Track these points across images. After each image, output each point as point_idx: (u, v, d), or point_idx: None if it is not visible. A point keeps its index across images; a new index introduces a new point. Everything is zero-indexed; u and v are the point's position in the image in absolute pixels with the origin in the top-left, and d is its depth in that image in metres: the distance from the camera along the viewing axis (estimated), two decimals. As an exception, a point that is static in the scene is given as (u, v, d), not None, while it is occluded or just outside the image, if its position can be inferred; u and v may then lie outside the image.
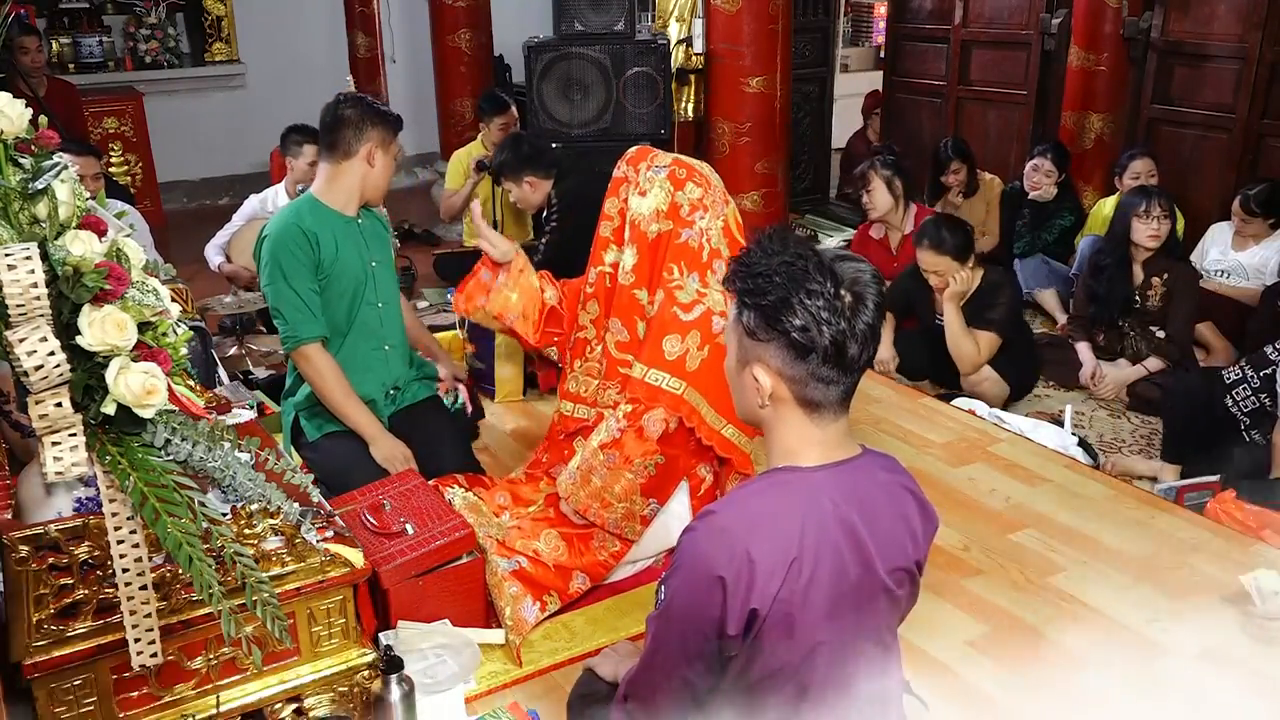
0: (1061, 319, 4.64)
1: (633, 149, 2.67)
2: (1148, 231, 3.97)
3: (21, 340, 1.30)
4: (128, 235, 1.54)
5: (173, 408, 1.47)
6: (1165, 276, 4.01)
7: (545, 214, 4.14)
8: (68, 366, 1.34)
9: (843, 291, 1.37)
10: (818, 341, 1.37)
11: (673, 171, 2.52)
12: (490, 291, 2.74)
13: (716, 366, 2.44)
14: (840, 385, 1.42)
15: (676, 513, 2.52)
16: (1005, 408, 3.80)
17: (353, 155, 2.73)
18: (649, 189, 2.52)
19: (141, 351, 1.42)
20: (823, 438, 1.46)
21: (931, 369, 4.05)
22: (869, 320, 1.39)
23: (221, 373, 3.85)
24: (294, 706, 1.79)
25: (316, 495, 1.95)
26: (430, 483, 2.56)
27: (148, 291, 1.48)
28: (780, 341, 1.39)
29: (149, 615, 1.47)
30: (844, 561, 1.42)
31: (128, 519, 1.42)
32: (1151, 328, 4.04)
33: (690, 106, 4.97)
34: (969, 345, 3.78)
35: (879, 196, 4.33)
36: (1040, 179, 4.97)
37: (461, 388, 3.16)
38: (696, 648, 1.44)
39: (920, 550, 1.52)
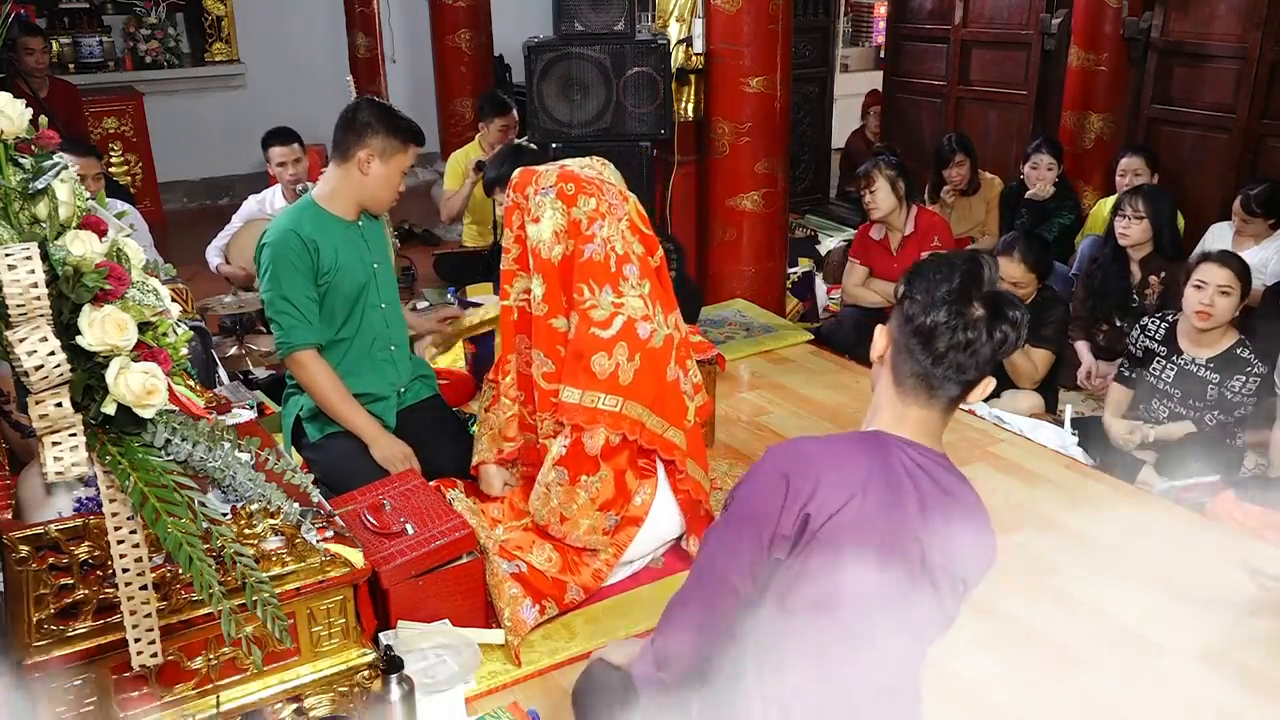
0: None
1: (515, 174, 2.57)
2: (1117, 228, 4.07)
3: (21, 340, 1.30)
4: (128, 235, 1.54)
5: (173, 408, 1.47)
6: (1163, 275, 4.02)
7: None
8: (68, 366, 1.34)
9: (975, 303, 1.46)
10: (917, 316, 1.48)
11: (560, 189, 2.45)
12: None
13: (653, 373, 2.43)
14: (926, 374, 1.49)
15: (663, 505, 2.53)
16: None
17: (349, 159, 2.69)
18: (541, 214, 2.45)
19: (141, 351, 1.42)
20: (906, 415, 1.53)
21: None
22: (973, 337, 1.45)
23: (221, 373, 3.86)
24: (294, 706, 1.79)
25: (316, 495, 1.95)
26: (432, 484, 2.56)
27: (148, 291, 1.48)
28: (902, 307, 1.52)
29: (149, 615, 1.47)
30: (900, 526, 1.46)
31: (128, 519, 1.42)
32: (1150, 327, 4.03)
33: (690, 106, 4.95)
34: (1027, 363, 3.76)
35: (882, 196, 4.32)
36: (1041, 173, 4.97)
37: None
38: (750, 544, 1.50)
39: (972, 568, 1.54)
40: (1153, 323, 3.57)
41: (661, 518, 2.54)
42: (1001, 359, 1.51)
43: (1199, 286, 3.34)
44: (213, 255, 4.68)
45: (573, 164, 2.57)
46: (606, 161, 2.66)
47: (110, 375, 1.36)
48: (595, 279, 2.41)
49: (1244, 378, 3.33)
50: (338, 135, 2.71)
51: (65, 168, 1.44)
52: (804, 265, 5.35)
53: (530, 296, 2.51)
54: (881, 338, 1.57)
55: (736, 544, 1.52)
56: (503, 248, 2.59)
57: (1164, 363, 3.49)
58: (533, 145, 4.46)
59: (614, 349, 2.39)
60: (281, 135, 4.56)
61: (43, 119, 1.49)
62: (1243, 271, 3.35)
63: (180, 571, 1.57)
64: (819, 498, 1.44)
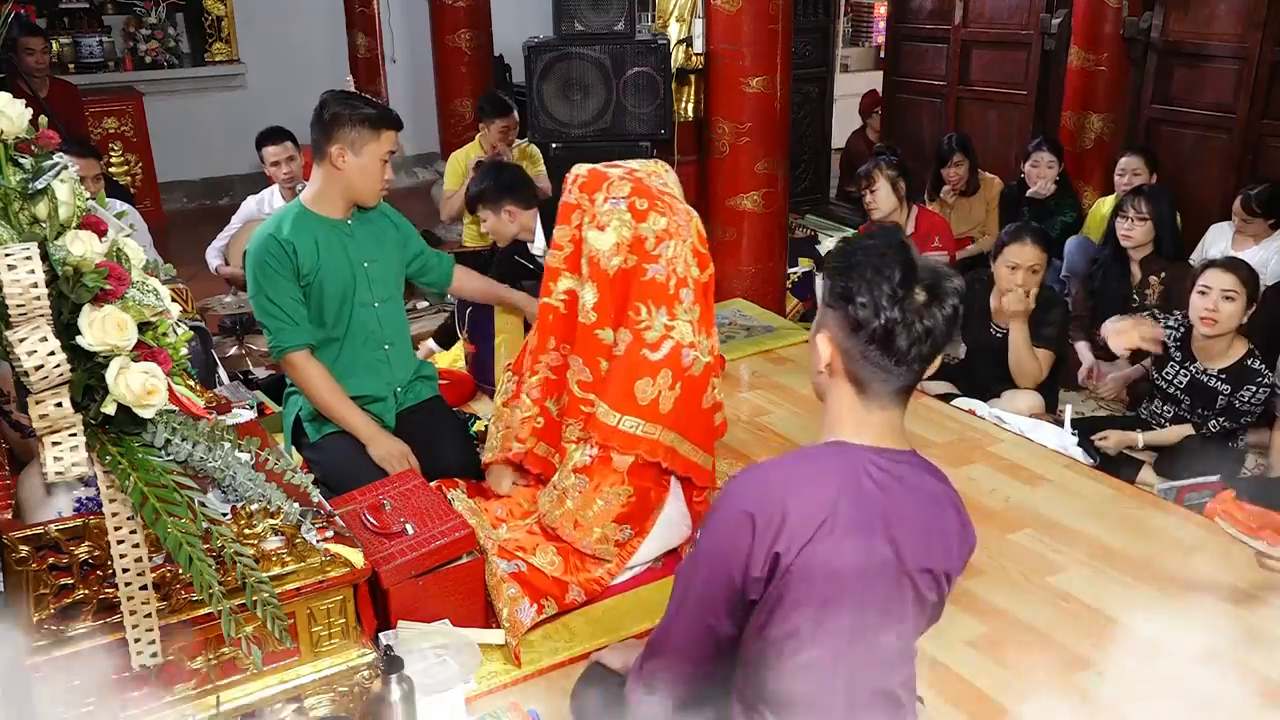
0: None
1: (584, 171, 2.51)
2: (1120, 230, 4.11)
3: (21, 340, 1.30)
4: (128, 235, 1.54)
5: (173, 408, 1.47)
6: (1163, 275, 4.02)
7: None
8: (68, 366, 1.34)
9: (917, 289, 1.42)
10: (869, 321, 1.43)
11: (632, 203, 2.39)
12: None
13: (691, 401, 2.42)
14: (889, 374, 1.46)
15: (672, 517, 2.52)
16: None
17: (324, 158, 2.67)
18: (607, 223, 2.39)
19: (141, 351, 1.42)
20: (869, 420, 1.50)
21: (993, 380, 3.83)
22: (930, 324, 1.43)
23: (221, 373, 3.86)
24: (294, 706, 1.79)
25: (316, 495, 1.95)
26: (433, 484, 2.56)
27: (148, 291, 1.48)
28: (841, 311, 1.46)
29: (149, 615, 1.47)
30: (873, 540, 1.45)
31: (128, 519, 1.42)
32: (1151, 327, 4.03)
33: (690, 106, 4.95)
34: (1034, 363, 3.70)
35: (883, 197, 4.32)
36: (1042, 170, 4.98)
37: None
38: (722, 589, 1.48)
39: (952, 562, 1.54)
40: (1184, 326, 3.53)
41: (667, 530, 2.53)
42: (956, 331, 1.48)
43: (1203, 292, 3.34)
44: (212, 256, 4.68)
45: (640, 170, 2.52)
46: (669, 167, 2.63)
47: (110, 375, 1.36)
48: (654, 299, 2.38)
49: (1254, 388, 3.34)
50: (312, 136, 2.70)
51: (65, 168, 1.44)
52: (804, 265, 5.35)
53: (577, 302, 2.48)
54: (825, 347, 1.50)
55: (707, 589, 1.50)
56: (551, 244, 2.55)
57: (1178, 367, 3.51)
58: (519, 155, 4.46)
59: (658, 374, 2.37)
60: (273, 135, 4.56)
61: (43, 119, 1.49)
62: (1249, 278, 3.34)
63: (180, 571, 1.57)
64: (786, 532, 1.41)
